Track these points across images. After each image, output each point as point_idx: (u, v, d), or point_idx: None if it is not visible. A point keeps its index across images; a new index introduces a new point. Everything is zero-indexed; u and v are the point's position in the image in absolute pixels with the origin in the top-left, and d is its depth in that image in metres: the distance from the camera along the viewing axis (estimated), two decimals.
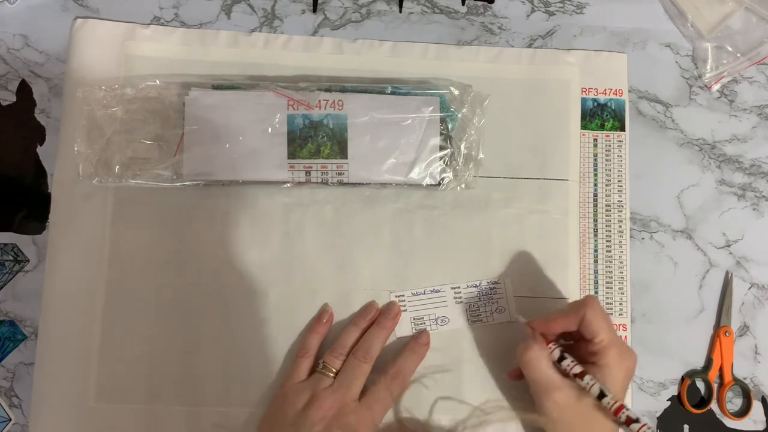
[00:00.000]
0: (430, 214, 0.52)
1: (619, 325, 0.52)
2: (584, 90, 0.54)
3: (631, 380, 0.45)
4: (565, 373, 0.44)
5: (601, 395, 0.42)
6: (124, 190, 0.51)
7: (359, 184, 0.51)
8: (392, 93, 0.51)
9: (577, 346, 0.46)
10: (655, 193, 0.54)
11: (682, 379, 0.52)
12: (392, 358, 0.49)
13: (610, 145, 0.54)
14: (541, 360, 0.44)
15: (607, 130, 0.54)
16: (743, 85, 0.56)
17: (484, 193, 0.52)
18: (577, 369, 0.43)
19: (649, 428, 0.40)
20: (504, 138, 0.53)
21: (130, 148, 0.50)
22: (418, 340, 0.49)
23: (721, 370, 0.52)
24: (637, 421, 0.40)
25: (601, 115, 0.54)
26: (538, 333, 0.46)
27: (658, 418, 0.52)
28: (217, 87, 0.51)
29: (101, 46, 0.52)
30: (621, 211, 0.53)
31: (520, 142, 0.53)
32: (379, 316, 0.50)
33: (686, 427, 0.52)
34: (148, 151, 0.50)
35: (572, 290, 0.52)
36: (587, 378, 0.43)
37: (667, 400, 0.52)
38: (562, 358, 0.44)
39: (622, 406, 0.41)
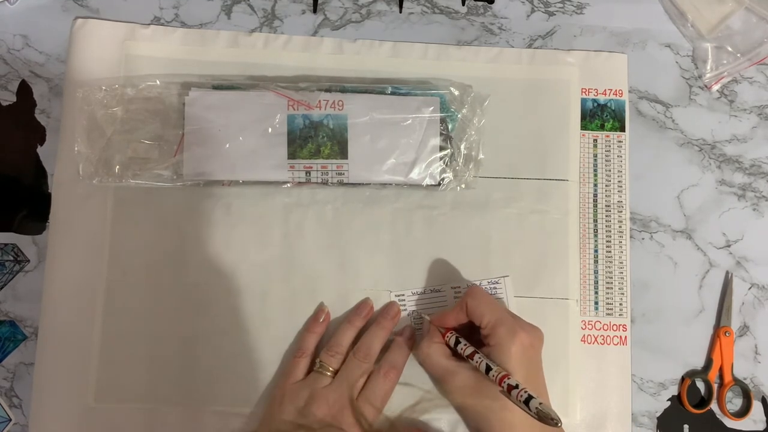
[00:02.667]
0: (430, 215, 0.52)
1: (619, 325, 0.52)
2: (584, 90, 0.54)
3: (533, 355, 0.45)
4: (465, 360, 0.45)
5: (488, 370, 0.43)
6: (124, 190, 0.51)
7: (359, 184, 0.51)
8: (392, 93, 0.51)
9: (479, 334, 0.47)
10: (655, 193, 0.54)
11: (682, 379, 0.52)
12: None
13: (610, 146, 0.54)
14: (431, 352, 0.46)
15: (607, 130, 0.54)
16: (743, 86, 0.56)
17: (484, 193, 0.52)
18: (469, 350, 0.45)
19: (526, 392, 0.40)
20: (504, 138, 0.53)
21: (130, 148, 0.50)
22: (403, 335, 0.49)
23: (721, 370, 0.52)
24: (516, 387, 0.41)
25: (601, 116, 0.54)
26: (433, 327, 0.47)
27: (658, 418, 0.52)
28: (217, 87, 0.51)
29: (101, 46, 0.52)
30: (621, 211, 0.53)
31: (520, 143, 0.53)
32: (378, 316, 0.50)
33: (686, 427, 0.52)
34: (148, 151, 0.50)
35: (572, 290, 0.52)
36: (477, 357, 0.44)
37: (667, 400, 0.52)
38: (457, 344, 0.46)
39: (504, 376, 0.42)
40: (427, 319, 0.49)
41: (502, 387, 0.41)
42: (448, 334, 0.47)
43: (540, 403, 0.39)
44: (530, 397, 0.39)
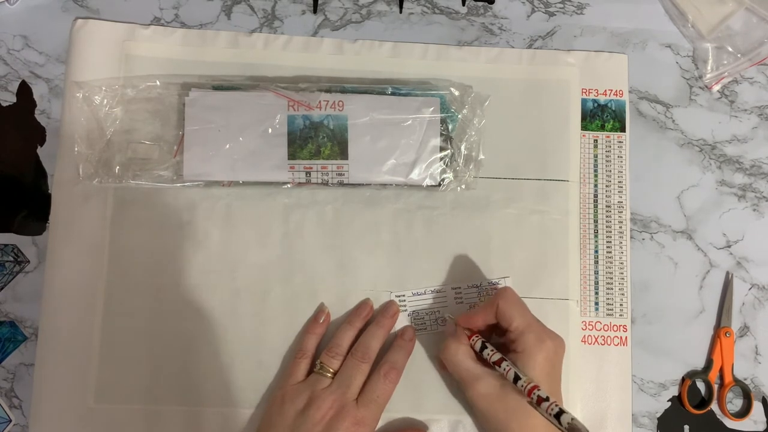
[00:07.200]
0: (431, 215, 0.52)
1: (620, 325, 0.52)
2: (584, 91, 0.54)
3: (557, 364, 0.45)
4: (489, 364, 0.45)
5: (517, 379, 0.42)
6: (124, 190, 0.51)
7: (359, 184, 0.51)
8: (392, 94, 0.51)
9: (503, 337, 0.47)
10: (656, 193, 0.54)
11: (683, 379, 0.52)
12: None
13: (610, 146, 0.54)
14: (458, 354, 0.45)
15: (607, 130, 0.54)
16: (744, 86, 0.56)
17: (484, 194, 0.52)
18: (496, 357, 0.44)
19: (557, 406, 0.39)
20: (504, 139, 0.53)
21: (130, 149, 0.50)
22: (404, 336, 0.49)
23: (721, 370, 0.52)
24: (546, 400, 0.40)
25: (601, 116, 0.54)
26: (459, 328, 0.47)
27: (658, 418, 0.52)
28: (217, 87, 0.51)
29: (101, 46, 0.52)
30: (621, 211, 0.53)
31: (520, 143, 0.53)
32: (377, 315, 0.50)
33: (686, 427, 0.52)
34: (148, 151, 0.50)
35: (572, 290, 0.52)
36: (504, 364, 0.43)
37: (668, 400, 0.52)
38: (483, 348, 0.45)
39: (534, 387, 0.41)
40: (452, 319, 0.48)
41: (531, 398, 0.41)
42: (474, 338, 0.46)
43: (572, 419, 0.38)
44: (561, 412, 0.39)
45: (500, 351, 0.45)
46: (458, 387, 0.47)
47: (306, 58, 0.53)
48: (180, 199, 0.51)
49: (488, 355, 0.45)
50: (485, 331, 0.47)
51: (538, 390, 0.41)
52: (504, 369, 0.43)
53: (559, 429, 0.39)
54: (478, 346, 0.46)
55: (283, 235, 0.51)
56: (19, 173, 0.52)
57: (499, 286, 0.51)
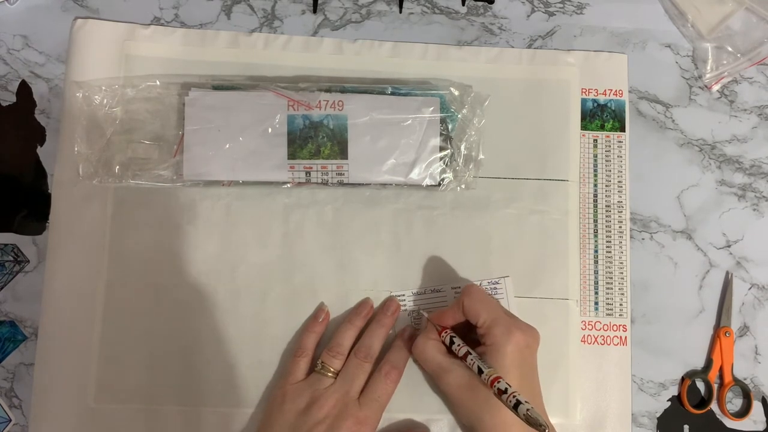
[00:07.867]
0: (430, 215, 0.52)
1: (619, 325, 0.52)
2: (584, 90, 0.54)
3: (528, 356, 0.44)
4: (459, 358, 0.45)
5: (481, 371, 0.42)
6: (124, 190, 0.51)
7: (359, 184, 0.51)
8: (392, 93, 0.51)
9: (475, 333, 0.47)
10: (655, 193, 0.54)
11: (683, 379, 0.52)
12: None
13: (610, 146, 0.54)
14: (427, 349, 0.46)
15: (607, 130, 0.54)
16: (743, 86, 0.56)
17: (484, 194, 0.52)
18: (462, 350, 0.45)
19: (514, 397, 0.39)
20: (504, 138, 0.53)
21: (130, 149, 0.50)
22: (404, 336, 0.49)
23: (721, 370, 0.52)
24: (505, 391, 0.40)
25: (601, 116, 0.54)
26: (430, 324, 0.47)
27: (658, 418, 0.52)
28: (217, 87, 0.51)
29: (101, 46, 0.52)
30: (621, 211, 0.53)
31: (520, 143, 0.53)
32: (378, 313, 0.50)
33: (686, 427, 0.52)
34: (148, 151, 0.50)
35: (572, 290, 0.52)
36: (469, 358, 0.44)
37: (667, 400, 0.52)
38: (452, 343, 0.46)
39: (495, 379, 0.41)
40: (425, 316, 0.49)
41: (494, 389, 0.41)
42: (444, 333, 0.46)
43: (528, 409, 0.38)
44: (519, 402, 0.39)
45: (475, 346, 0.45)
46: (431, 382, 0.48)
47: (306, 58, 0.53)
48: (180, 199, 0.51)
49: (456, 349, 0.45)
50: (465, 329, 0.47)
51: (498, 382, 0.41)
52: (470, 363, 0.44)
53: (520, 419, 0.39)
54: (447, 340, 0.46)
55: (283, 235, 0.51)
56: (19, 173, 0.52)
57: (499, 286, 0.51)
